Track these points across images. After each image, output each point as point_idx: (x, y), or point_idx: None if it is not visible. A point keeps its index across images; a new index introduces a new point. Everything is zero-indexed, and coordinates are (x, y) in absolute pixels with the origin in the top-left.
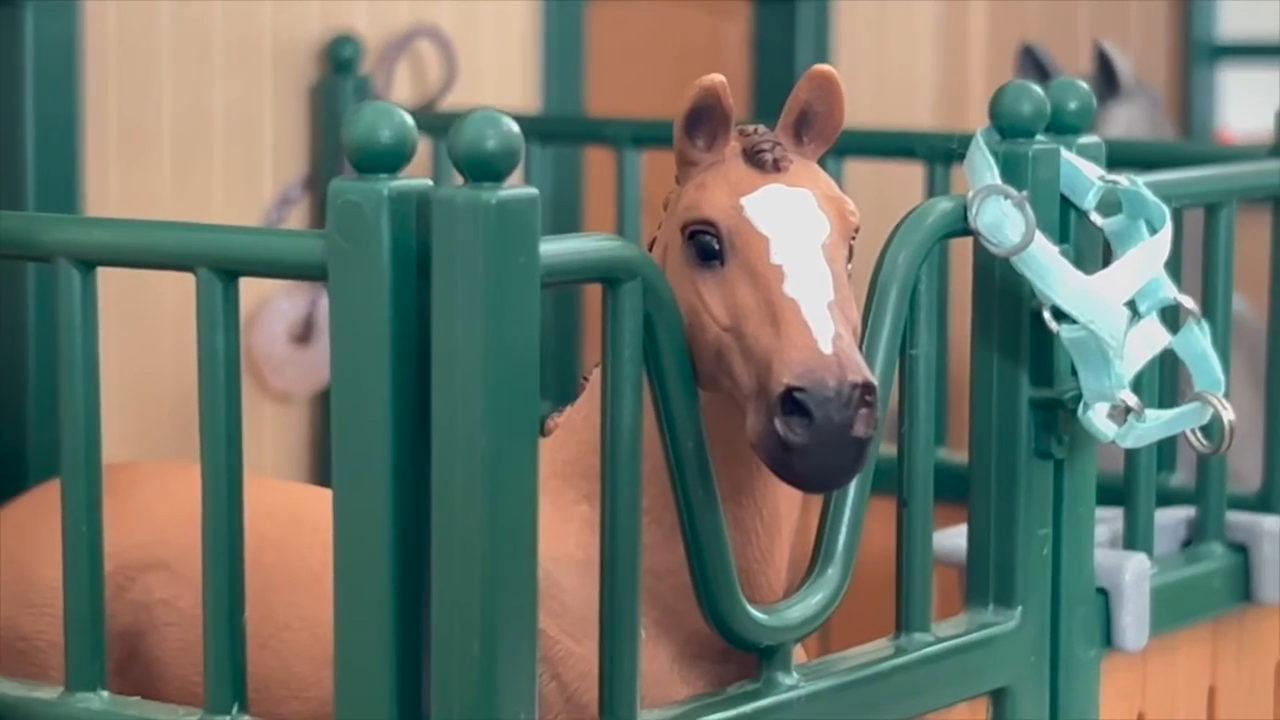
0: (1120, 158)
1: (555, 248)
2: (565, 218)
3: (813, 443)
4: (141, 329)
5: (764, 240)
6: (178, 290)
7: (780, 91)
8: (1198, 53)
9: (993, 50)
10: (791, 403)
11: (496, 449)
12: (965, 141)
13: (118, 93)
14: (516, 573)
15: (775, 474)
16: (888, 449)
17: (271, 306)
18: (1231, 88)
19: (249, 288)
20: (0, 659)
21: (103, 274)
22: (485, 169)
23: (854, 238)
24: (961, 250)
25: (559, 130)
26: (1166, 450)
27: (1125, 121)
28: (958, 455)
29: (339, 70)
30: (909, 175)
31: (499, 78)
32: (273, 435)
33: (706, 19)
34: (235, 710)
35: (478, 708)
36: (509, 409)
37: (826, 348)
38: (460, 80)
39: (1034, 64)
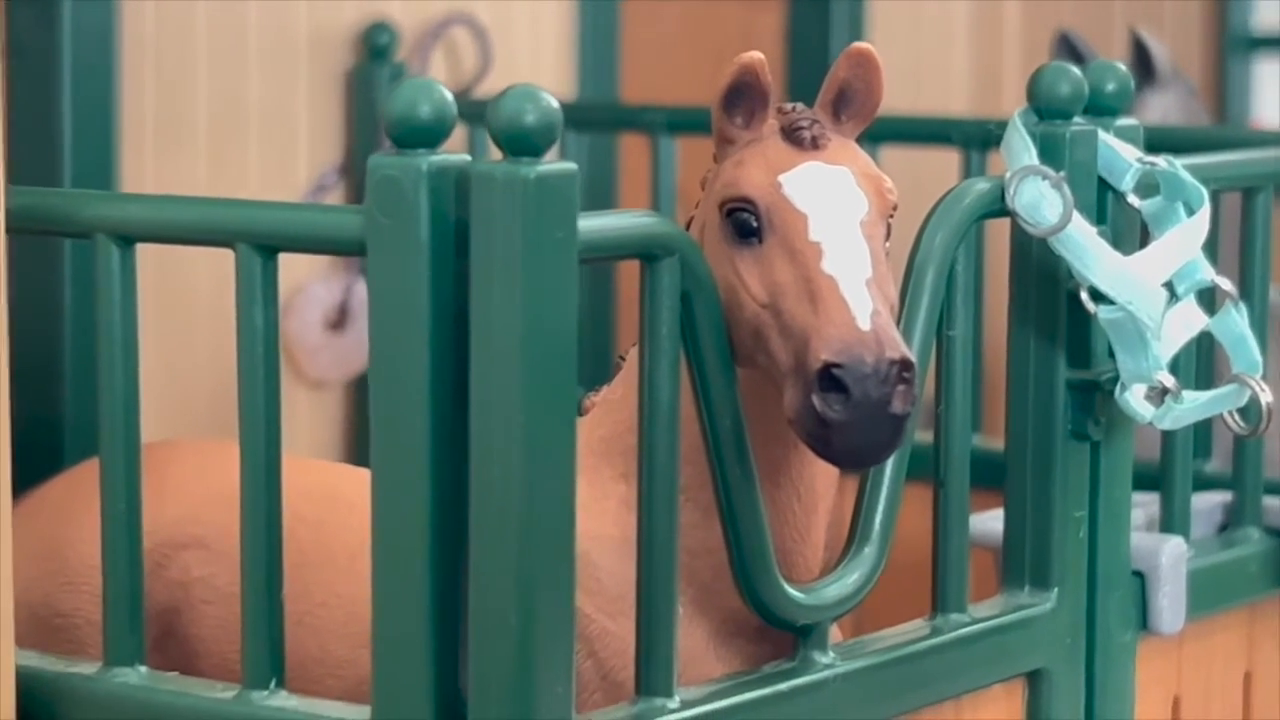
0: (1157, 143)
1: (593, 223)
2: (599, 205)
3: (850, 419)
4: (176, 310)
5: (802, 217)
6: (212, 271)
7: (815, 82)
8: (1233, 44)
9: (1027, 37)
10: (829, 379)
11: (534, 424)
12: (1004, 126)
13: (154, 79)
14: (554, 547)
15: (813, 451)
16: (923, 436)
17: (306, 293)
18: (1265, 79)
19: (283, 275)
20: (38, 636)
21: (138, 255)
22: (524, 144)
23: (892, 215)
24: (996, 232)
25: (594, 116)
26: (1201, 436)
27: (1161, 110)
28: (991, 442)
29: (374, 57)
30: (944, 162)
31: (534, 65)
32: (307, 422)
33: (740, 10)
34: (273, 685)
35: (515, 681)
36: (547, 384)
37: (864, 324)
38: (495, 67)
39: (1070, 51)
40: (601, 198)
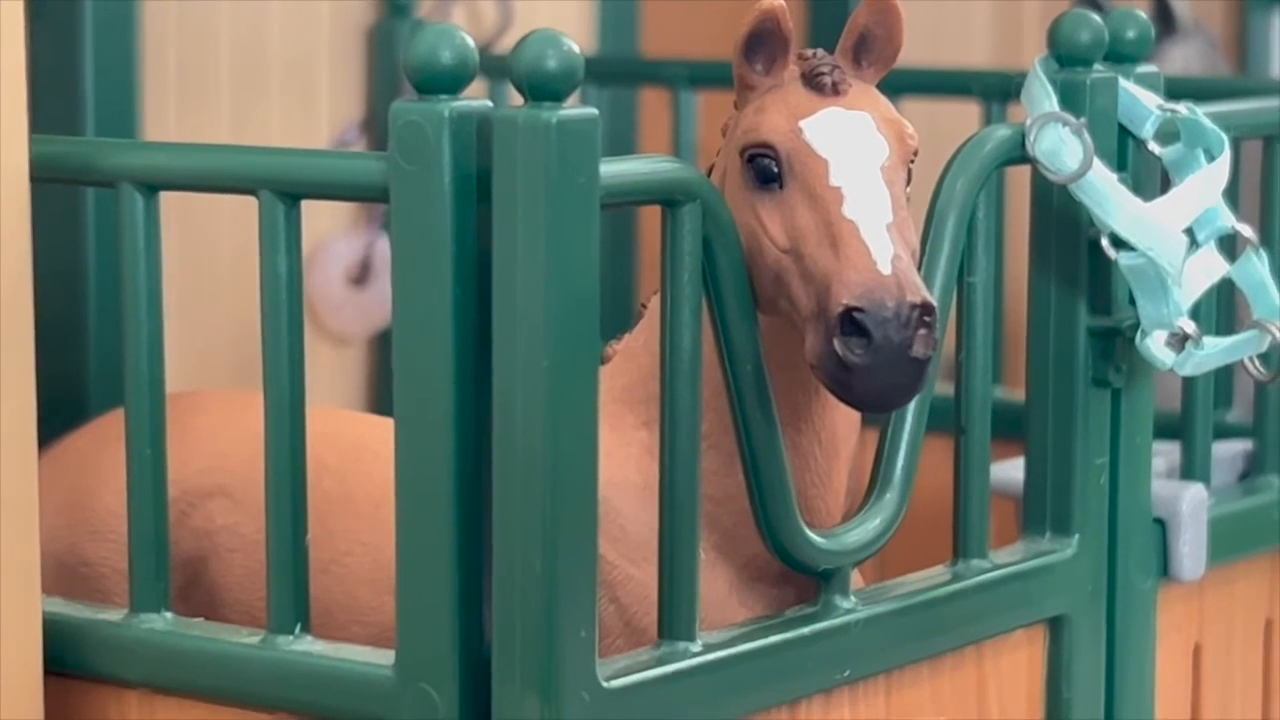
0: (1177, 93)
1: (615, 168)
2: None
3: (872, 363)
4: (198, 262)
5: (823, 163)
6: (233, 223)
7: (835, 35)
8: None
9: None
10: (850, 323)
11: (557, 368)
12: (1024, 77)
13: (176, 36)
14: (577, 493)
15: (834, 395)
16: (943, 388)
17: (329, 249)
18: None
19: (306, 230)
20: (64, 585)
21: (161, 207)
22: (545, 89)
23: (913, 161)
24: (1017, 179)
25: (614, 71)
26: (1223, 386)
27: (1181, 61)
28: (1011, 393)
29: (395, 13)
30: (964, 114)
31: (554, 20)
32: (329, 377)
33: None
34: (298, 630)
35: (539, 625)
36: (570, 328)
37: (885, 268)
38: (516, 23)
39: (1091, 4)
40: (622, 152)
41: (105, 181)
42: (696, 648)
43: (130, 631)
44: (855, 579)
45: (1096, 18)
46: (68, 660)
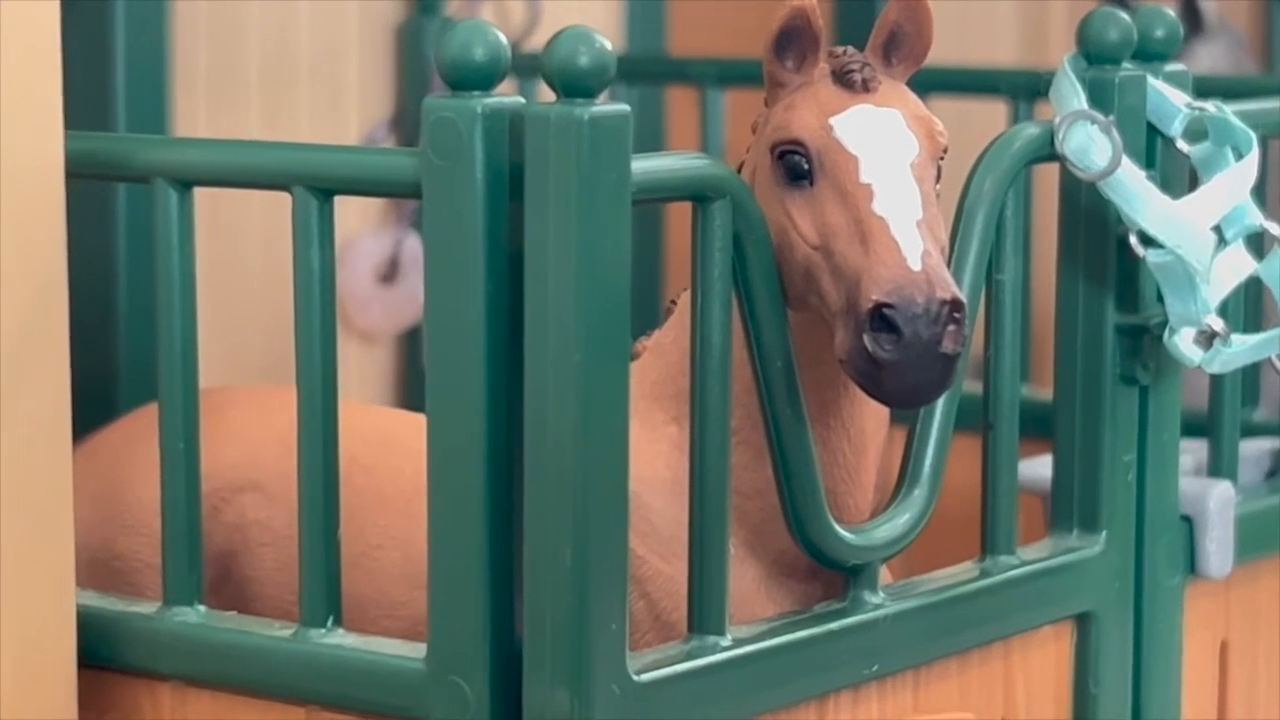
0: (1205, 92)
1: (646, 165)
2: None
3: (901, 359)
4: (228, 260)
5: (853, 159)
6: (265, 221)
7: (862, 30)
8: None
9: None
10: (880, 319)
11: (588, 363)
12: (1052, 75)
13: (207, 34)
14: (608, 488)
15: (864, 391)
16: (971, 387)
17: (357, 246)
18: None
19: (335, 227)
20: (97, 579)
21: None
22: (578, 85)
23: (942, 158)
24: (1045, 177)
25: (642, 69)
26: (1249, 384)
27: (1208, 60)
28: (1038, 392)
29: (424, 11)
30: (992, 113)
31: (582, 18)
32: (357, 374)
33: None
34: (330, 624)
35: (570, 619)
36: (601, 323)
37: (915, 265)
38: (544, 21)
39: (1119, 1)
40: (649, 151)
41: (139, 177)
42: (726, 642)
43: (163, 624)
44: (883, 575)
45: (1125, 16)
46: (101, 653)
